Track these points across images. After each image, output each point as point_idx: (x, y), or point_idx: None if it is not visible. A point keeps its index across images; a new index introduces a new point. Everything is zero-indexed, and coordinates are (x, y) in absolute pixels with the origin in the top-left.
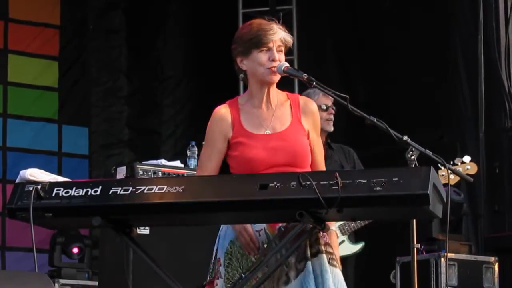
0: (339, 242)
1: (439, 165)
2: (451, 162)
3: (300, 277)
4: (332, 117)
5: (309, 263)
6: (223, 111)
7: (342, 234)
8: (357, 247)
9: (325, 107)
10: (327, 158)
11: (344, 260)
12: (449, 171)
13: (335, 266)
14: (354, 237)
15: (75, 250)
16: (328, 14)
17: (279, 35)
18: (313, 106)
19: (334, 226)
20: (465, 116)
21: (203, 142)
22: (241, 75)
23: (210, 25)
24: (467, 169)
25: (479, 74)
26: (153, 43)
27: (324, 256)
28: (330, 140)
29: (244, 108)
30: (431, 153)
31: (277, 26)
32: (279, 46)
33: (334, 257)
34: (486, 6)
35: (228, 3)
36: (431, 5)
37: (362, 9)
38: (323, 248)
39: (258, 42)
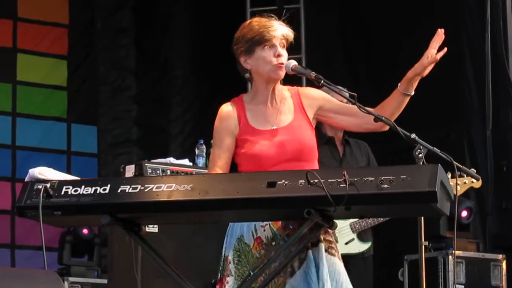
0: (349, 240)
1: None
2: (458, 173)
3: (303, 266)
4: None
5: (310, 252)
6: (228, 108)
7: (353, 232)
8: (365, 246)
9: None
10: (345, 155)
11: (363, 260)
12: (457, 168)
13: (333, 255)
14: (364, 236)
15: (85, 230)
16: (336, 12)
17: (280, 31)
18: (311, 89)
19: (345, 223)
20: (472, 114)
21: (212, 141)
22: (246, 74)
23: (217, 24)
24: (472, 182)
25: (487, 72)
26: (161, 42)
27: (322, 245)
28: (347, 135)
29: (249, 105)
30: (438, 151)
31: (278, 22)
32: (281, 40)
33: (333, 245)
34: (493, 4)
35: (236, 2)
36: (438, 4)
37: (370, 7)
38: (322, 237)
39: (261, 39)
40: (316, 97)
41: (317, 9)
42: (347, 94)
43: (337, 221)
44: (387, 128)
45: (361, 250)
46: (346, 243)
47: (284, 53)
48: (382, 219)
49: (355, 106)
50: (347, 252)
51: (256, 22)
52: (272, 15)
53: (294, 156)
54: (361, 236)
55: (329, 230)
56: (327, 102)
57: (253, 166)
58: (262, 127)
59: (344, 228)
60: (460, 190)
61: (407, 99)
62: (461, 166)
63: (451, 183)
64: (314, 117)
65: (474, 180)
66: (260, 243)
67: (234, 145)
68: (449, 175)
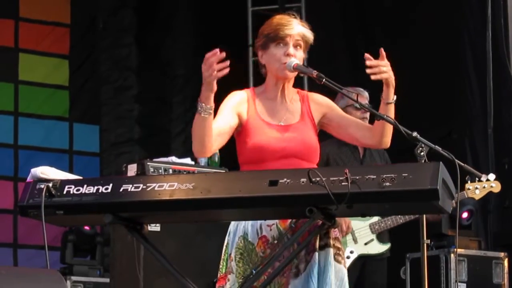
0: (369, 240)
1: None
2: (476, 179)
3: (308, 267)
4: (367, 115)
5: (316, 254)
6: (241, 94)
7: (372, 232)
8: (384, 248)
9: (359, 106)
10: (365, 156)
11: (380, 260)
12: (459, 167)
13: (339, 262)
14: (383, 237)
15: (87, 226)
16: (337, 11)
17: (296, 30)
18: (319, 95)
19: (364, 224)
20: (474, 112)
21: None
22: (263, 69)
23: (219, 23)
24: (492, 186)
25: (488, 70)
26: (163, 41)
27: (331, 250)
28: None
29: (259, 97)
30: (440, 149)
31: (297, 21)
32: (297, 41)
33: (340, 253)
34: (494, 2)
35: (237, 1)
36: (440, 3)
37: (372, 6)
38: (331, 242)
39: (275, 36)
40: (322, 103)
41: (318, 8)
42: (351, 95)
43: (356, 222)
44: (387, 146)
45: (380, 251)
46: (366, 244)
47: (295, 53)
48: (401, 221)
49: (355, 119)
50: (366, 252)
51: (276, 19)
52: (295, 14)
53: (296, 154)
54: (380, 237)
55: (338, 237)
56: (331, 110)
57: (255, 157)
58: (269, 120)
59: (363, 229)
60: (479, 194)
61: (391, 107)
62: (462, 164)
63: (470, 187)
64: (319, 123)
65: (494, 185)
66: (265, 242)
67: (234, 123)
68: (468, 180)
